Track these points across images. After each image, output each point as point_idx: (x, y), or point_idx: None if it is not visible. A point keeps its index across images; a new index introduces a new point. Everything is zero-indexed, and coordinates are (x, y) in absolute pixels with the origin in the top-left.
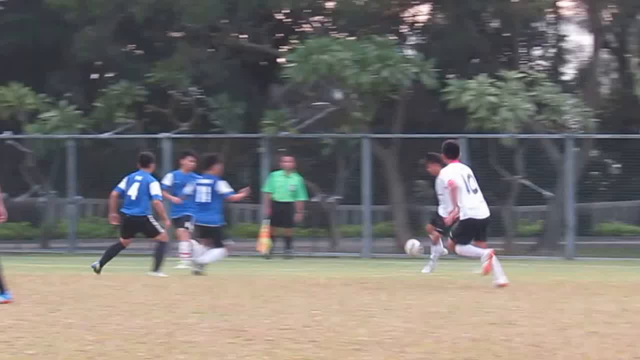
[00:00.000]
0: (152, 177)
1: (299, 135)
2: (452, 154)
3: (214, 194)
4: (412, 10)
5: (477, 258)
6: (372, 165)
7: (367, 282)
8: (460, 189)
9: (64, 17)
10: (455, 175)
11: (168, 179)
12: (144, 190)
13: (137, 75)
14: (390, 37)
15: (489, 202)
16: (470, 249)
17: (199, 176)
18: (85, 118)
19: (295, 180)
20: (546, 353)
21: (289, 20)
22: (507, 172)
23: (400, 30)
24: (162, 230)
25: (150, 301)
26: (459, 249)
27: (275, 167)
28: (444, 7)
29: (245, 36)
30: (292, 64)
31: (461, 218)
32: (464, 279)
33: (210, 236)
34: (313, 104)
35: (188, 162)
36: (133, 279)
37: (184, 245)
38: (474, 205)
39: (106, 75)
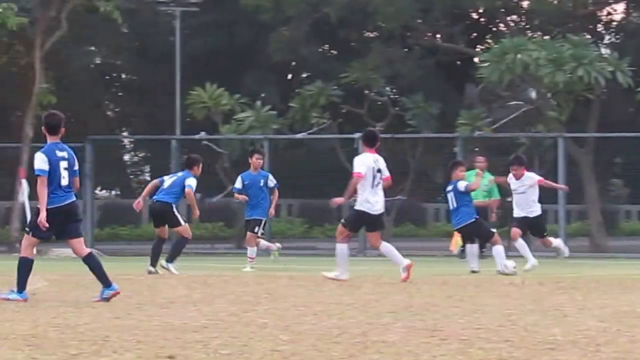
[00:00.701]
0: (191, 176)
1: (493, 134)
2: (370, 142)
3: None
4: (607, 9)
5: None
6: (567, 164)
7: (561, 282)
8: (365, 181)
9: (259, 18)
10: (364, 166)
11: (238, 182)
12: (179, 182)
13: (331, 75)
14: (585, 36)
15: None
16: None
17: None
18: (280, 118)
19: (487, 180)
20: None
21: (484, 19)
22: None
23: (596, 29)
24: (183, 223)
25: (345, 301)
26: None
27: (469, 167)
28: (639, 6)
29: (440, 36)
30: (487, 64)
31: (356, 207)
32: None
33: None
34: (508, 103)
35: (255, 160)
36: (327, 280)
37: (250, 250)
38: (373, 200)
39: (300, 75)
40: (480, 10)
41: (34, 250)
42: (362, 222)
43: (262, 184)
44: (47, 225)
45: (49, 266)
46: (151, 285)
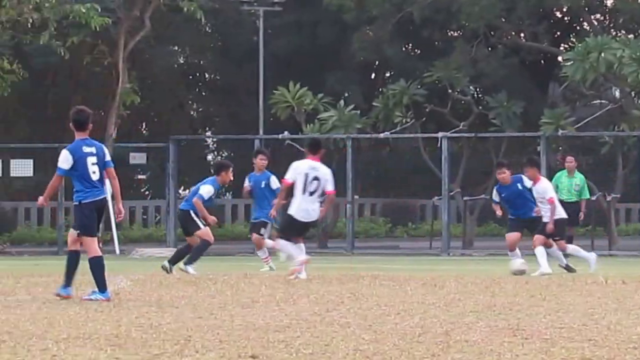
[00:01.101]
0: (210, 183)
1: (577, 133)
2: (312, 149)
3: None
4: None
5: (291, 257)
6: None
7: None
8: (296, 187)
9: (342, 17)
10: (294, 172)
11: (246, 182)
12: (195, 190)
13: (414, 74)
14: None
15: None
16: (288, 246)
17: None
18: (363, 118)
19: (578, 179)
20: None
21: (568, 18)
22: None
23: None
24: (203, 227)
25: (428, 300)
26: (280, 242)
27: (551, 166)
28: None
29: (523, 34)
30: (571, 62)
31: (288, 212)
32: None
33: None
34: (591, 102)
35: (259, 160)
36: (409, 279)
37: (260, 252)
38: (303, 207)
39: (384, 74)
40: (564, 9)
41: (92, 247)
42: (294, 229)
43: (263, 185)
44: (42, 205)
45: (132, 266)
46: (234, 285)
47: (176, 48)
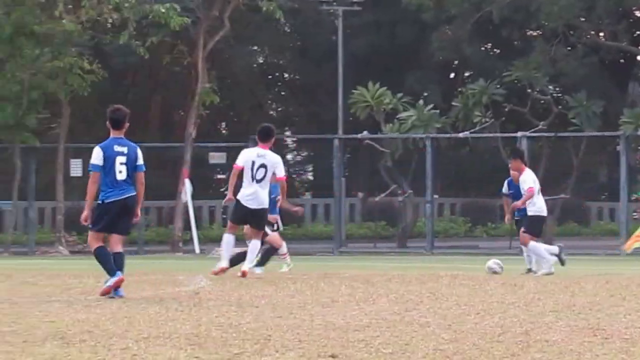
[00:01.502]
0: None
1: None
2: (262, 137)
3: None
4: None
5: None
6: None
7: None
8: (244, 174)
9: (421, 17)
10: (242, 159)
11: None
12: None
13: (493, 74)
14: None
15: None
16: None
17: None
18: (442, 117)
19: None
20: None
21: None
22: None
23: None
24: (271, 232)
25: (507, 300)
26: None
27: (631, 165)
28: None
29: (603, 34)
30: None
31: (237, 197)
32: None
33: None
34: None
35: None
36: (488, 279)
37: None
38: (247, 193)
39: (463, 74)
40: None
41: (100, 241)
42: (239, 213)
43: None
44: (86, 222)
45: (212, 265)
46: (313, 285)
47: (255, 48)
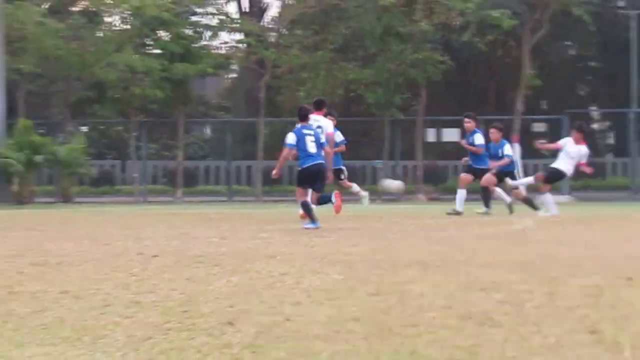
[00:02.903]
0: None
1: None
2: (317, 106)
3: None
4: None
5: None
6: None
7: None
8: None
9: None
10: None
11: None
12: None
13: None
14: None
15: None
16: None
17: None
18: None
19: None
20: None
21: None
22: None
23: None
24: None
25: None
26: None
27: None
28: None
29: None
30: None
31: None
32: None
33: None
34: None
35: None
36: None
37: (352, 190)
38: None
39: None
40: None
41: (308, 196)
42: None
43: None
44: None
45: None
46: (615, 224)
47: (568, 43)
